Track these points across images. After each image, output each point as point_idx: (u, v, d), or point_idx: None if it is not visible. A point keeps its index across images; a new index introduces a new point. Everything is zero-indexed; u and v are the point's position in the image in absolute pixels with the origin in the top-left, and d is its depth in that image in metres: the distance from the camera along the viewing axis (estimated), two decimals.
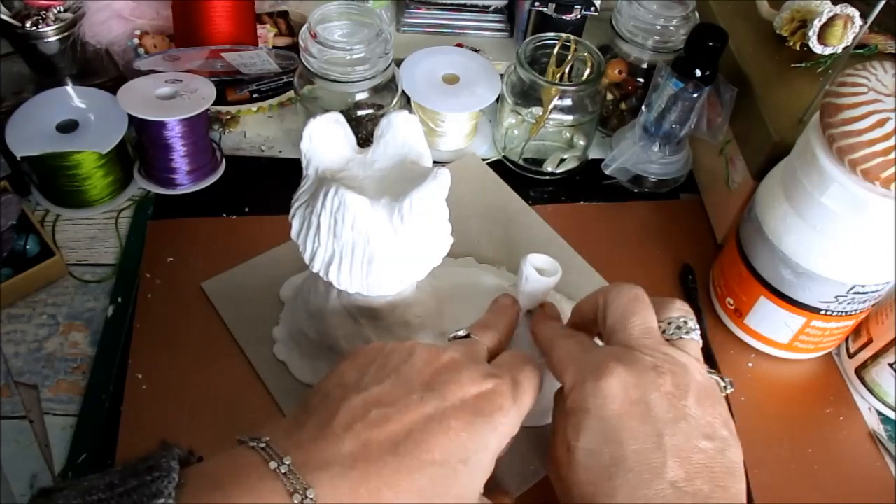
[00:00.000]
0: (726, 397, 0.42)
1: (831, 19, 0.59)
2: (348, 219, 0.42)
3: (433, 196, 0.43)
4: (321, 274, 0.45)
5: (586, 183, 0.70)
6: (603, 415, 0.38)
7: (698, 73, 0.59)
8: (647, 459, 0.36)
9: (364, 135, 0.66)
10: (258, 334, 0.55)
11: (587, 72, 0.65)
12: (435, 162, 0.59)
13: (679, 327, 0.42)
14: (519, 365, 0.41)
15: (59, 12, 0.65)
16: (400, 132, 0.46)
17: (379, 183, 0.46)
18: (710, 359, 0.57)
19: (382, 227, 0.43)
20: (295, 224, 0.45)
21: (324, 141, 0.45)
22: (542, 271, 0.52)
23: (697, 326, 0.43)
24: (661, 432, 0.37)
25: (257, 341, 0.55)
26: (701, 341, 0.43)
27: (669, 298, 0.44)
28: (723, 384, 0.42)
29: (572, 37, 0.66)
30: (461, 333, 0.44)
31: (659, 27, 0.67)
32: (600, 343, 0.43)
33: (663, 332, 0.42)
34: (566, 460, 0.39)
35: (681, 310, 0.43)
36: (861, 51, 0.62)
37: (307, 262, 0.45)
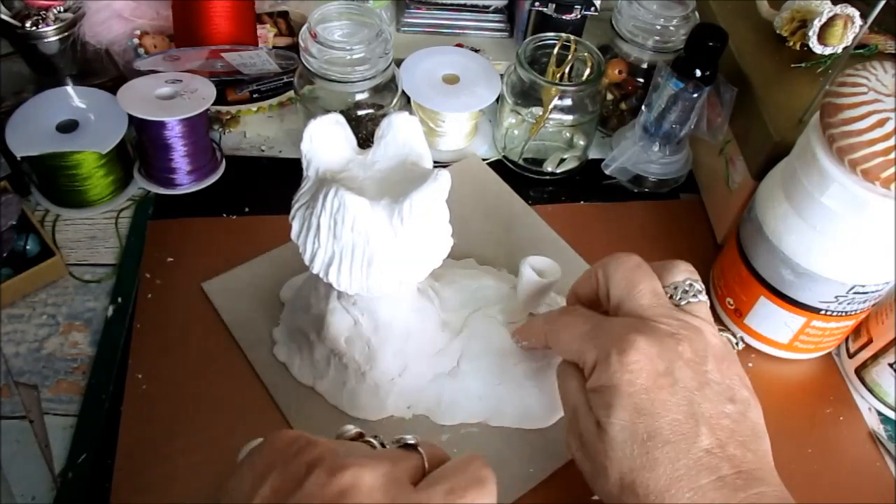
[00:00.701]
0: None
1: (831, 19, 0.59)
2: (348, 220, 0.42)
3: (433, 197, 0.43)
4: (321, 275, 0.45)
5: (586, 183, 0.70)
6: (633, 389, 0.38)
7: (698, 73, 0.59)
8: (682, 429, 0.37)
9: (364, 135, 0.66)
10: (258, 335, 0.55)
11: (587, 72, 0.65)
12: (435, 162, 0.59)
13: (686, 291, 0.42)
14: (462, 478, 0.32)
15: (59, 12, 0.65)
16: (400, 133, 0.46)
17: (379, 184, 0.46)
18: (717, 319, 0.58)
19: (382, 228, 0.43)
20: (295, 225, 0.45)
21: (324, 142, 0.45)
22: (542, 273, 0.52)
23: (703, 287, 0.42)
24: (690, 400, 0.37)
25: (257, 342, 0.55)
26: (708, 300, 0.43)
27: (671, 261, 0.43)
28: (734, 341, 0.42)
29: (572, 37, 0.66)
30: (409, 440, 0.35)
31: (659, 27, 0.67)
32: None
33: (670, 297, 0.42)
34: (597, 438, 0.39)
35: (685, 272, 0.43)
36: (861, 51, 0.62)
37: (307, 263, 0.45)
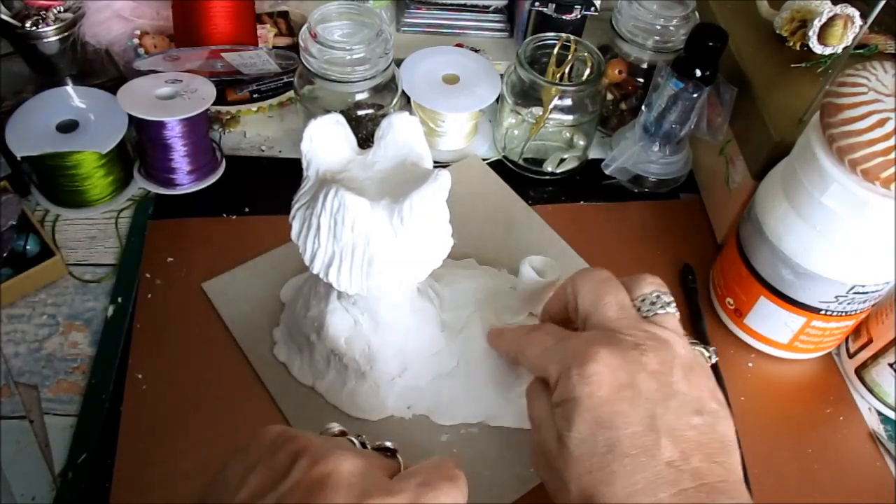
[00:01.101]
0: (713, 367, 0.41)
1: (831, 19, 0.59)
2: (348, 220, 0.42)
3: (433, 198, 0.43)
4: (321, 275, 0.45)
5: (586, 183, 0.70)
6: (593, 402, 0.37)
7: (698, 73, 0.59)
8: (641, 442, 0.36)
9: (364, 135, 0.66)
10: (258, 335, 0.55)
11: (587, 72, 0.65)
12: (436, 162, 0.58)
13: (653, 303, 0.42)
14: (434, 474, 0.34)
15: (59, 12, 0.65)
16: (401, 133, 0.46)
17: (379, 184, 0.46)
18: (700, 333, 0.58)
19: (382, 228, 0.43)
20: (295, 225, 0.45)
21: (324, 142, 0.45)
22: (542, 272, 0.52)
23: (671, 298, 0.42)
24: (652, 413, 0.37)
25: (257, 342, 0.55)
26: (678, 313, 0.42)
27: (638, 275, 0.43)
28: (707, 354, 0.42)
29: (572, 37, 0.66)
30: (389, 446, 0.38)
31: (659, 27, 0.67)
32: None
33: (638, 309, 0.42)
34: (558, 453, 0.38)
35: (652, 284, 0.43)
36: (861, 51, 0.62)
37: (307, 263, 0.45)
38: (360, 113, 0.65)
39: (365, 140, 0.67)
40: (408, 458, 0.49)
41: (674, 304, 0.42)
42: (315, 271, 0.45)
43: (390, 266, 0.44)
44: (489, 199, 0.67)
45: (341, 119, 0.46)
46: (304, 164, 0.46)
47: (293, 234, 0.46)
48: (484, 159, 0.70)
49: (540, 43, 0.67)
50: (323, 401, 0.52)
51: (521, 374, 0.52)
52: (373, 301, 0.48)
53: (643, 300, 0.42)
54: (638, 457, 0.36)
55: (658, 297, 0.42)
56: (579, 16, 0.72)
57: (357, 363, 0.51)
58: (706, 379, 0.39)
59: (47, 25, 0.64)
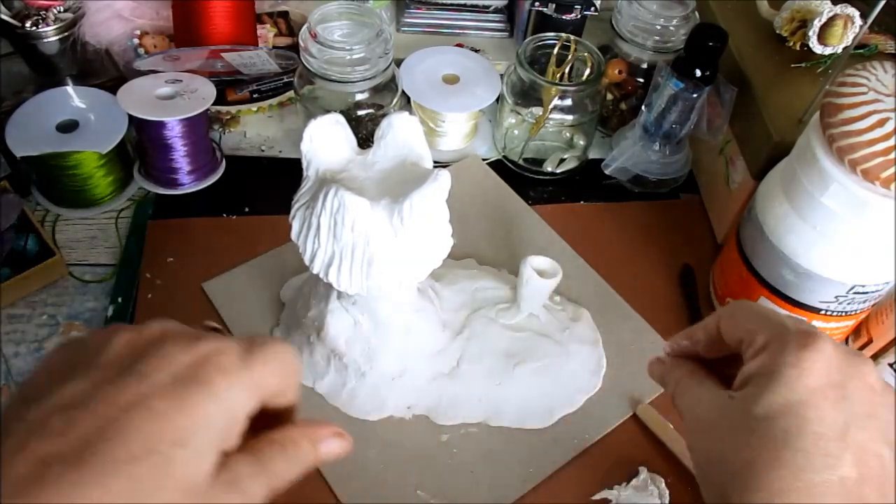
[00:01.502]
0: None
1: (831, 19, 0.59)
2: (348, 220, 0.42)
3: (433, 198, 0.43)
4: (321, 275, 0.45)
5: (586, 183, 0.70)
6: (795, 386, 0.35)
7: (698, 73, 0.59)
8: (825, 446, 0.34)
9: (364, 135, 0.66)
10: (258, 335, 0.55)
11: (587, 72, 0.65)
12: (435, 162, 0.58)
13: None
14: (266, 339, 0.33)
15: (59, 12, 0.65)
16: (400, 134, 0.46)
17: (379, 184, 0.46)
18: None
19: (382, 228, 0.43)
20: (295, 225, 0.45)
21: (324, 142, 0.45)
22: (543, 273, 0.52)
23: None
24: (849, 423, 0.34)
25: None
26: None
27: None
28: None
29: (572, 37, 0.66)
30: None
31: (659, 27, 0.67)
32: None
33: None
34: (724, 427, 0.36)
35: None
36: (861, 51, 0.62)
37: (307, 263, 0.45)
38: (360, 113, 0.65)
39: (365, 140, 0.67)
40: (408, 459, 0.49)
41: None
42: (315, 271, 0.45)
43: (390, 266, 0.44)
44: (489, 199, 0.67)
45: (341, 119, 0.46)
46: (304, 164, 0.46)
47: (293, 234, 0.46)
48: (484, 159, 0.70)
49: (540, 43, 0.67)
50: (323, 401, 0.52)
51: (520, 374, 0.52)
52: (373, 301, 0.48)
53: None
54: (814, 457, 0.34)
55: None
56: (579, 16, 0.72)
57: (357, 363, 0.51)
58: None
59: (47, 25, 0.64)
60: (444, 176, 0.43)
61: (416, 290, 0.51)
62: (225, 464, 0.29)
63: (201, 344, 0.31)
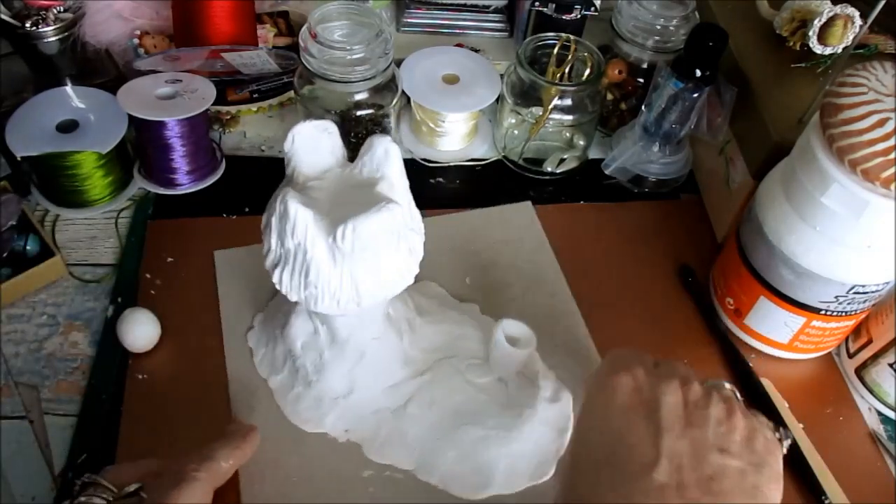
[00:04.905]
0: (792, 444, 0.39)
1: (831, 19, 0.59)
2: (288, 227, 0.42)
3: (374, 227, 0.41)
4: (270, 273, 0.45)
5: (586, 183, 0.70)
6: (607, 406, 0.37)
7: (698, 73, 0.59)
8: (638, 455, 0.35)
9: (364, 135, 0.66)
10: (242, 316, 0.56)
11: (587, 72, 0.65)
12: (436, 162, 0.58)
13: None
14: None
15: (59, 12, 0.65)
16: (376, 156, 0.45)
17: (341, 200, 0.45)
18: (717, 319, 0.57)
19: (321, 244, 0.42)
20: (263, 219, 0.46)
21: (306, 146, 0.46)
22: (515, 340, 0.49)
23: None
24: (660, 432, 0.36)
25: (237, 322, 0.56)
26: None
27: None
28: (778, 435, 0.39)
29: (572, 37, 0.66)
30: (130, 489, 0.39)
31: (659, 27, 0.67)
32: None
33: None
34: (568, 457, 0.39)
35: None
36: (861, 51, 0.62)
37: (263, 256, 0.46)
38: (360, 113, 0.65)
39: (365, 140, 0.67)
40: (323, 480, 0.48)
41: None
42: (266, 267, 0.45)
43: (326, 284, 0.43)
44: (523, 250, 0.63)
45: (332, 128, 0.46)
46: (286, 163, 0.46)
47: (262, 226, 0.46)
48: (484, 159, 0.70)
49: (540, 43, 0.67)
50: (270, 397, 0.52)
51: (465, 437, 0.49)
52: (332, 317, 0.47)
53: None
54: (628, 466, 0.35)
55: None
56: (579, 16, 0.72)
57: (307, 371, 0.50)
58: (751, 430, 0.37)
59: (47, 25, 0.64)
60: (389, 210, 0.42)
61: (385, 317, 0.50)
62: None
63: None
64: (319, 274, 0.43)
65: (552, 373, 0.52)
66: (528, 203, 0.66)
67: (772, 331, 0.55)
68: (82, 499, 0.35)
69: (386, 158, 0.45)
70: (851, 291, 0.50)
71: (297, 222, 0.42)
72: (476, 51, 0.76)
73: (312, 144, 0.46)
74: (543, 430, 0.49)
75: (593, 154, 0.71)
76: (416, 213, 0.47)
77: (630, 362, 0.39)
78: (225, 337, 0.55)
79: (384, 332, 0.50)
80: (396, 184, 0.45)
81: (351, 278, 0.43)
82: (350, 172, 0.47)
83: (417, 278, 0.57)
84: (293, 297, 0.44)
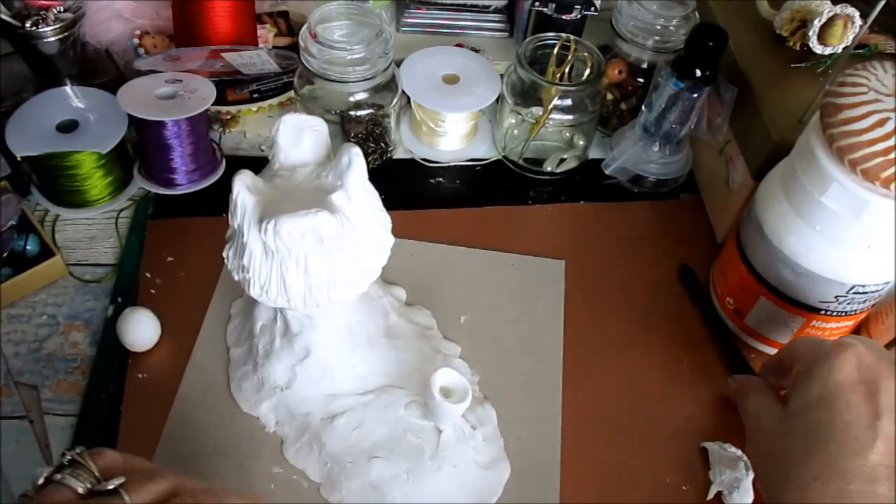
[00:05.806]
0: None
1: (831, 19, 0.59)
2: (232, 206, 0.43)
3: (297, 230, 0.41)
4: (225, 248, 0.46)
5: (586, 183, 0.70)
6: (826, 382, 0.38)
7: (698, 73, 0.59)
8: (855, 434, 0.36)
9: (364, 135, 0.66)
10: (235, 289, 0.57)
11: (587, 72, 0.65)
12: (436, 162, 0.58)
13: None
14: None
15: (59, 12, 0.65)
16: (340, 164, 0.45)
17: (299, 197, 0.45)
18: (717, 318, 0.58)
19: (255, 233, 0.43)
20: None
21: (288, 137, 0.46)
22: (449, 391, 0.47)
23: None
24: (879, 414, 0.36)
25: (228, 291, 0.57)
26: None
27: None
28: None
29: (572, 37, 0.66)
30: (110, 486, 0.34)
31: (659, 27, 0.67)
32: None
33: None
34: (777, 433, 0.39)
35: None
36: (861, 51, 0.62)
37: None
38: (360, 113, 0.65)
39: (364, 140, 0.67)
40: (233, 464, 0.48)
41: None
42: (225, 238, 0.46)
43: (258, 275, 0.43)
44: (534, 307, 0.59)
45: (319, 126, 0.47)
46: (270, 145, 0.47)
47: None
48: (484, 159, 0.70)
49: (540, 43, 0.67)
50: (224, 368, 0.53)
51: (373, 469, 0.48)
52: (286, 308, 0.47)
53: None
54: (846, 444, 0.36)
55: None
56: (579, 16, 0.72)
57: (258, 353, 0.51)
58: None
59: (47, 25, 0.64)
60: (316, 217, 0.41)
61: (340, 325, 0.49)
62: None
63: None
64: (252, 260, 0.43)
65: (501, 438, 0.51)
66: (562, 262, 0.62)
67: (772, 331, 0.55)
68: (58, 476, 0.33)
69: (349, 168, 0.44)
70: (851, 291, 0.50)
71: (237, 203, 0.43)
72: (476, 51, 0.76)
73: (295, 137, 0.47)
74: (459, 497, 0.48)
75: (593, 154, 0.71)
76: (387, 222, 0.47)
77: (858, 342, 0.39)
78: (211, 304, 0.56)
79: (335, 340, 0.50)
80: (354, 194, 0.44)
81: (279, 276, 0.43)
82: (319, 174, 0.47)
83: (411, 301, 0.58)
84: (235, 276, 0.45)
